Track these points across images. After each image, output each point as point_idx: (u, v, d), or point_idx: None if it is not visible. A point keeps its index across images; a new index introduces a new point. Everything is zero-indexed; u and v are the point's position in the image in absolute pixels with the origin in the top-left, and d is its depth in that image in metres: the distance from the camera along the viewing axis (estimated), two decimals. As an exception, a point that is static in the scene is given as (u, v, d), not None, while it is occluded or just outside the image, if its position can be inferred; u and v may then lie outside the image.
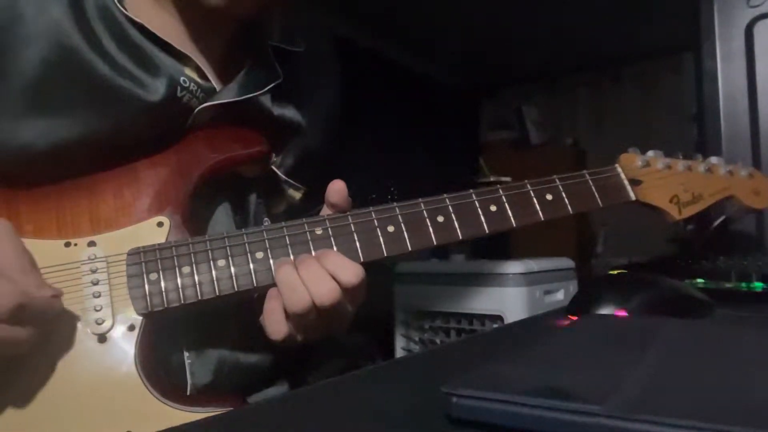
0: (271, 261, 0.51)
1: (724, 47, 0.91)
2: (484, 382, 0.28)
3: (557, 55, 3.26)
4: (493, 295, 1.50)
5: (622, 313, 0.52)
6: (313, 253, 0.51)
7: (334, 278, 0.49)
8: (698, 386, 0.27)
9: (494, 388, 0.26)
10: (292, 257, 0.51)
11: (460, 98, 3.69)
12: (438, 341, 1.60)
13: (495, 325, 1.47)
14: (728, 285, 0.66)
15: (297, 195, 0.65)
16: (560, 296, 1.60)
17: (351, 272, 0.49)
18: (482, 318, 1.53)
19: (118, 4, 0.53)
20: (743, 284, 0.65)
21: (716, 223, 0.83)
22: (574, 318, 0.54)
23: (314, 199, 0.66)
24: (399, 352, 1.67)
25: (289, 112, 0.63)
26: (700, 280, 0.68)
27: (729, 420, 0.22)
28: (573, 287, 1.65)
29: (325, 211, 0.56)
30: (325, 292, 0.48)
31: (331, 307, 0.49)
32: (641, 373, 0.29)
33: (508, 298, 1.48)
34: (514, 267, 1.50)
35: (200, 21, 0.58)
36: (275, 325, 0.51)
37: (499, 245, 2.78)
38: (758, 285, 0.64)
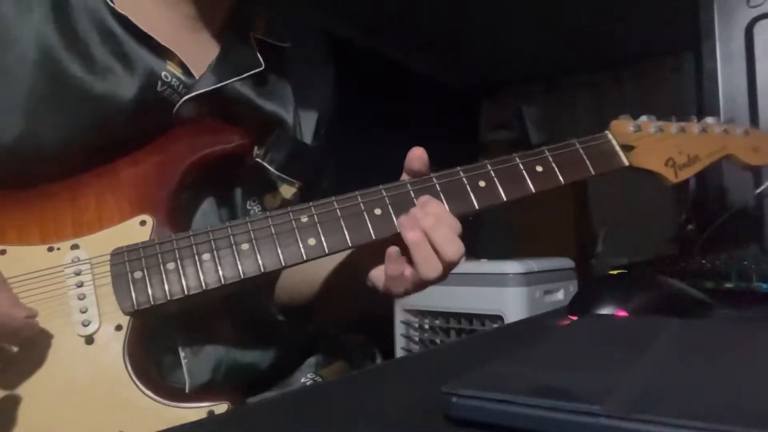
0: (258, 253, 0.50)
1: (724, 47, 0.91)
2: (483, 382, 0.28)
3: (557, 55, 3.25)
4: (493, 295, 1.50)
5: (622, 313, 0.52)
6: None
7: (457, 236, 0.51)
8: (698, 386, 0.27)
9: (494, 388, 0.26)
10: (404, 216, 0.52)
11: (460, 98, 3.69)
12: (438, 341, 1.60)
13: (495, 325, 1.47)
14: (728, 285, 0.66)
15: (291, 190, 0.65)
16: (560, 296, 1.60)
17: (457, 223, 0.52)
18: (482, 318, 1.53)
19: None
20: (743, 284, 0.65)
21: (717, 222, 0.83)
22: (574, 318, 0.54)
23: (310, 195, 0.66)
24: (399, 352, 1.67)
25: (272, 106, 0.62)
26: (700, 280, 0.68)
27: (729, 420, 0.22)
28: (573, 287, 1.65)
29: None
30: (456, 250, 0.51)
31: (459, 261, 0.51)
32: (641, 373, 0.29)
33: (508, 298, 1.48)
34: (514, 267, 1.50)
35: (196, 7, 0.58)
36: (400, 286, 0.53)
37: (499, 245, 2.78)
38: (758, 285, 0.64)
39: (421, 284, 0.53)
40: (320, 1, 2.28)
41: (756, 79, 0.89)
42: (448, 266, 0.51)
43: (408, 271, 0.52)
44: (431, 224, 0.51)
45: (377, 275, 0.56)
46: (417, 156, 0.54)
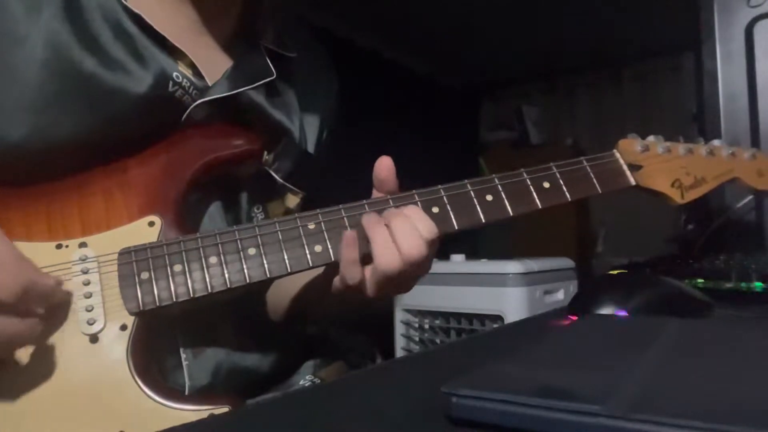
0: (265, 258, 0.50)
1: (724, 47, 0.91)
2: (484, 382, 0.28)
3: (557, 55, 3.25)
4: (493, 295, 1.50)
5: (622, 313, 0.52)
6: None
7: (417, 230, 0.50)
8: (698, 386, 0.27)
9: (494, 388, 0.26)
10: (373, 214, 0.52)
11: (460, 98, 3.69)
12: (438, 341, 1.60)
13: (495, 325, 1.47)
14: (728, 285, 0.66)
15: (295, 200, 0.65)
16: (560, 296, 1.60)
17: (427, 226, 0.51)
18: (482, 318, 1.53)
19: None
20: (743, 284, 0.65)
21: (716, 222, 0.83)
22: (574, 318, 0.54)
23: (312, 206, 0.66)
24: (399, 352, 1.67)
25: (280, 115, 0.63)
26: (700, 280, 0.68)
27: (729, 420, 0.22)
28: (573, 287, 1.65)
29: (373, 194, 0.56)
30: (413, 245, 0.50)
31: (419, 260, 0.50)
32: (641, 373, 0.29)
33: (508, 298, 1.48)
34: (514, 267, 1.50)
35: (202, 13, 0.58)
36: (356, 273, 0.52)
37: (499, 245, 2.78)
38: (758, 285, 0.64)
39: (380, 278, 0.51)
40: (320, 1, 2.28)
41: (756, 79, 0.89)
42: (408, 262, 0.50)
43: (368, 269, 0.52)
44: (392, 215, 0.51)
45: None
46: (386, 166, 0.54)
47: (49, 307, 0.46)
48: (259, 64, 0.60)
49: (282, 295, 0.68)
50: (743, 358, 0.33)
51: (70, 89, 0.51)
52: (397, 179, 0.55)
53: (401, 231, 0.50)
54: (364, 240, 0.51)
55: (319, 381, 0.65)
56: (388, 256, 0.50)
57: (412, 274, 0.52)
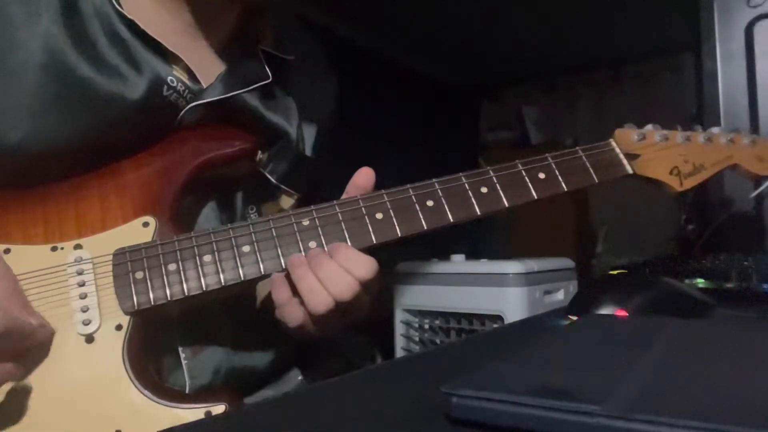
0: (259, 255, 0.51)
1: (724, 47, 0.91)
2: (484, 382, 0.28)
3: (557, 55, 3.25)
4: (493, 295, 1.50)
5: (622, 313, 0.52)
6: (301, 247, 0.51)
7: (349, 273, 0.49)
8: (698, 386, 0.27)
9: (494, 388, 0.26)
10: (303, 254, 0.51)
11: (460, 98, 3.69)
12: (438, 341, 1.60)
13: (495, 325, 1.47)
14: (728, 285, 0.66)
15: (290, 201, 0.65)
16: (560, 296, 1.60)
17: (364, 267, 0.50)
18: (482, 318, 1.53)
19: (114, 2, 0.53)
20: (743, 284, 0.65)
21: (717, 222, 0.82)
22: (574, 318, 0.54)
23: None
24: (399, 352, 1.67)
25: (277, 118, 0.63)
26: (700, 280, 0.68)
27: (729, 420, 0.22)
28: (573, 287, 1.65)
29: (346, 194, 0.56)
30: (344, 289, 0.49)
31: (352, 301, 0.49)
32: (641, 373, 0.29)
33: (508, 298, 1.48)
34: (514, 267, 1.49)
35: (198, 17, 0.58)
36: (292, 313, 0.51)
37: (499, 245, 2.78)
38: (758, 285, 0.64)
39: (315, 319, 0.51)
40: (320, 1, 2.28)
41: (756, 79, 0.89)
42: (340, 303, 0.49)
43: (301, 304, 0.51)
44: (319, 261, 0.50)
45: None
46: (366, 176, 0.55)
47: (30, 347, 0.45)
48: (254, 68, 0.60)
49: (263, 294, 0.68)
50: (743, 358, 0.33)
51: (66, 93, 0.52)
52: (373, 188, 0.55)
53: (327, 277, 0.49)
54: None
55: (317, 378, 0.65)
56: (316, 301, 0.49)
57: (355, 304, 0.51)
